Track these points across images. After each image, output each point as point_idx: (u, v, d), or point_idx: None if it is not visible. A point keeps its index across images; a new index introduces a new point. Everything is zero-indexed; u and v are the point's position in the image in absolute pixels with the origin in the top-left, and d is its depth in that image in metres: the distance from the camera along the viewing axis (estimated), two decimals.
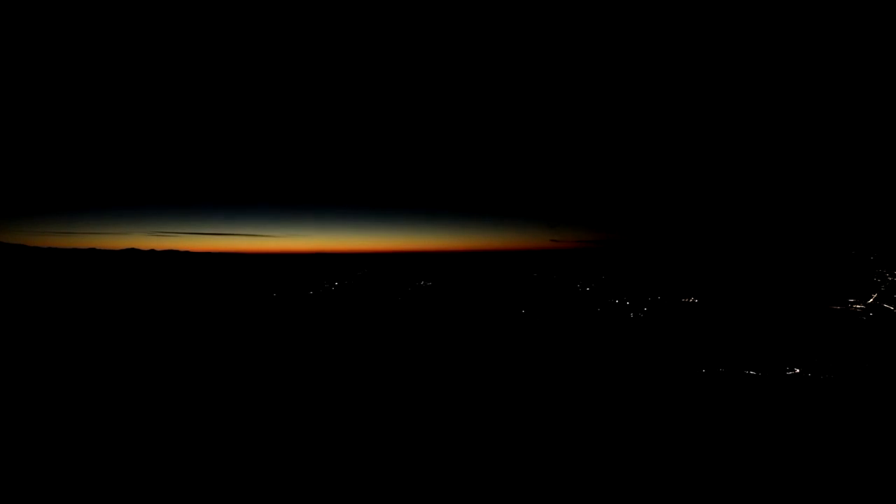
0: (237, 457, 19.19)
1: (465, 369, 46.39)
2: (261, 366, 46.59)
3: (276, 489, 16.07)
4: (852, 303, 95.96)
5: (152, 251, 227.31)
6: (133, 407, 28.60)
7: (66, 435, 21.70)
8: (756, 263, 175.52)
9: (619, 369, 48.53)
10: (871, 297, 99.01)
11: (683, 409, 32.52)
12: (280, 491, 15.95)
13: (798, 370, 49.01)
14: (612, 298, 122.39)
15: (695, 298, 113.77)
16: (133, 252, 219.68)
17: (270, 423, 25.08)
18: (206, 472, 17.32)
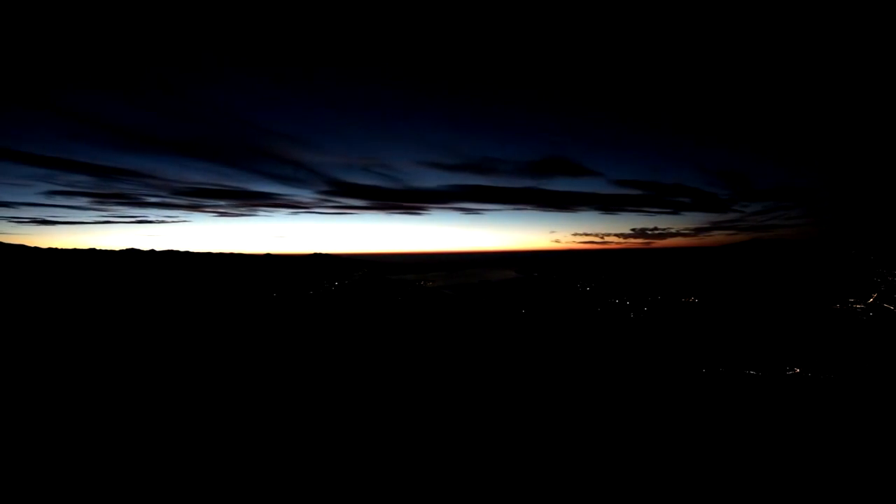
0: (237, 456, 19.22)
1: (465, 369, 46.40)
2: (261, 365, 46.61)
3: (276, 488, 16.10)
4: (852, 303, 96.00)
5: (152, 251, 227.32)
6: (134, 407, 28.64)
7: (67, 435, 21.73)
8: (756, 263, 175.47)
9: (619, 369, 48.54)
10: (871, 297, 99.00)
11: (683, 409, 32.53)
12: (280, 490, 15.98)
13: (798, 370, 49.03)
14: (611, 298, 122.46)
15: (695, 298, 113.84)
16: (133, 252, 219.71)
17: (270, 422, 25.12)
18: (206, 471, 17.35)
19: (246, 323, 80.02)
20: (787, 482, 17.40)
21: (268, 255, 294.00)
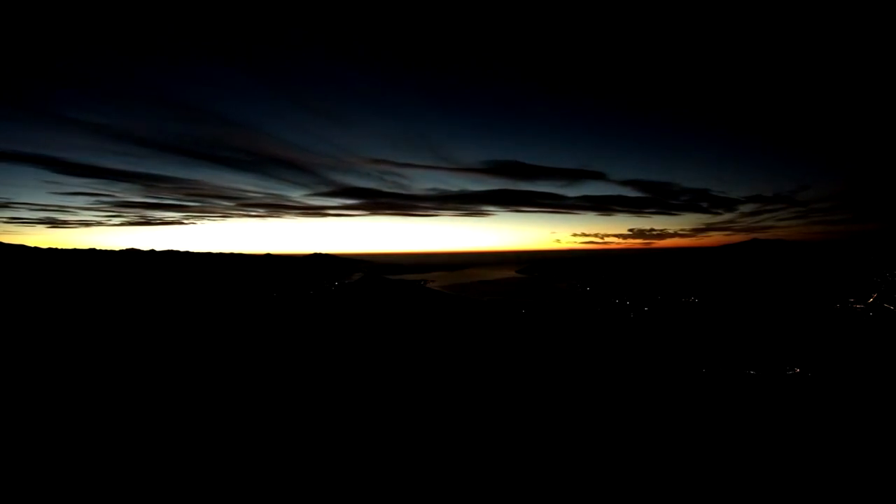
0: (237, 455, 19.22)
1: (464, 368, 46.39)
2: (261, 365, 46.60)
3: (277, 485, 16.09)
4: (852, 303, 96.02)
5: (152, 251, 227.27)
6: (135, 407, 28.63)
7: (67, 435, 21.73)
8: (755, 263, 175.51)
9: (619, 369, 48.53)
10: (871, 297, 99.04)
11: (684, 409, 32.54)
12: (281, 487, 15.97)
13: (798, 370, 49.03)
14: (612, 298, 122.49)
15: (695, 298, 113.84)
16: (133, 252, 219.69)
17: (271, 421, 25.12)
18: (207, 471, 17.34)
19: (246, 323, 80.00)
20: (787, 481, 17.41)
21: (268, 256, 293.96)
